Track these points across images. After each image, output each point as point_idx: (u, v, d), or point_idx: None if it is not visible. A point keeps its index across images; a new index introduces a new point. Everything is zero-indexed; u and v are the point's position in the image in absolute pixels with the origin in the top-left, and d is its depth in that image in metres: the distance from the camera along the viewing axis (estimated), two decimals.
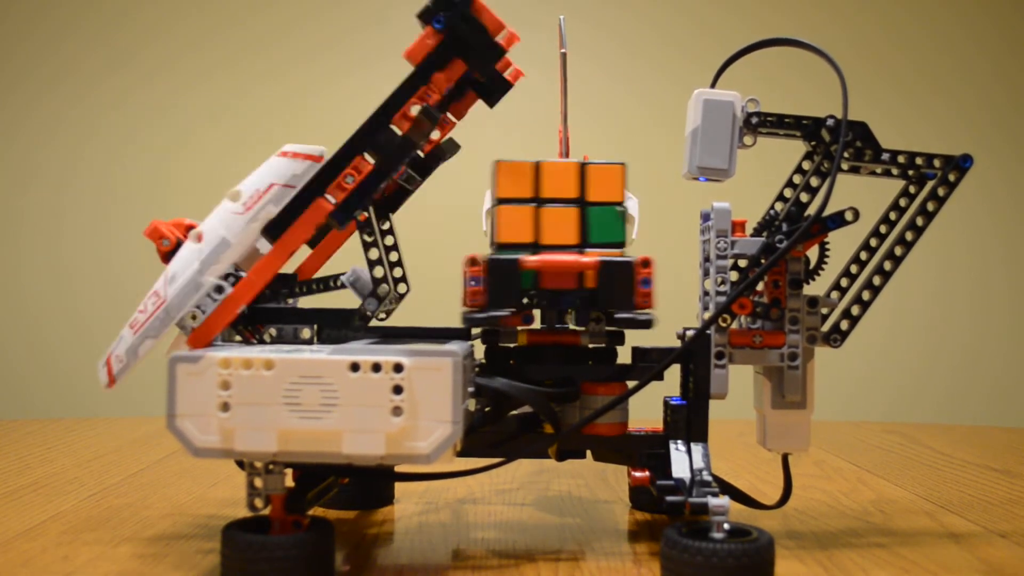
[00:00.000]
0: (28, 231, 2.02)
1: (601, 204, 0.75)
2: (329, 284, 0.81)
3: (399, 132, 0.71)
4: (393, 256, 0.78)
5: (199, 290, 0.68)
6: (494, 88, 0.73)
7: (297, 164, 0.70)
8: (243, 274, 0.77)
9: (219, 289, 0.69)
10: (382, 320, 0.82)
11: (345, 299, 0.79)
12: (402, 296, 0.80)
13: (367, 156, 0.71)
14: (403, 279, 0.79)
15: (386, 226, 0.79)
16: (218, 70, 2.02)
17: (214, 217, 0.70)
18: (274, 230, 0.70)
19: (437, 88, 0.71)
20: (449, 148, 0.82)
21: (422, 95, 0.71)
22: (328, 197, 0.70)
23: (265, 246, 0.72)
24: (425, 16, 0.71)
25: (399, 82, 0.72)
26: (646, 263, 0.73)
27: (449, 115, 0.76)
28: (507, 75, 0.73)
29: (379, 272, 0.77)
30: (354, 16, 2.03)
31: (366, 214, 0.79)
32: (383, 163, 0.71)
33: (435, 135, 0.79)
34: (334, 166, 0.71)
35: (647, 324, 0.73)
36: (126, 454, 1.18)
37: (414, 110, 0.71)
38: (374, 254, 0.78)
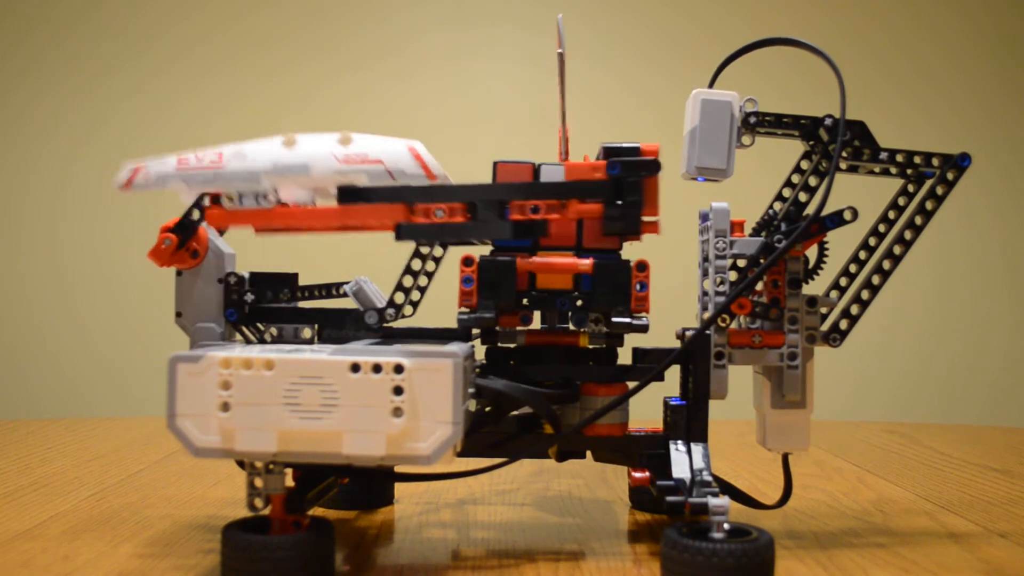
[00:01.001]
0: (28, 231, 2.02)
1: None
2: (331, 291, 0.81)
3: (507, 215, 0.71)
4: (423, 281, 0.77)
5: (254, 183, 0.68)
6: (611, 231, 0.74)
7: (413, 165, 0.70)
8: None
9: (267, 197, 0.69)
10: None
11: (347, 299, 0.79)
12: (405, 317, 0.79)
13: (468, 207, 0.71)
14: (416, 304, 0.78)
15: (439, 253, 0.78)
16: (219, 70, 2.02)
17: (316, 143, 0.70)
18: (350, 196, 0.70)
19: (565, 212, 0.72)
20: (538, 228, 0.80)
21: (548, 206, 0.71)
22: (412, 209, 0.70)
23: (331, 201, 0.71)
24: (610, 152, 0.72)
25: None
26: (642, 266, 0.73)
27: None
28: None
29: (399, 298, 0.76)
30: (354, 16, 2.03)
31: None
32: (472, 227, 0.71)
33: None
34: (437, 192, 0.71)
35: (643, 329, 0.74)
36: (126, 454, 1.18)
37: (533, 212, 0.71)
38: (408, 281, 0.76)
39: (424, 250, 0.76)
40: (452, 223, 0.71)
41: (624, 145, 0.73)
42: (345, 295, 0.79)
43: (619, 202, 0.72)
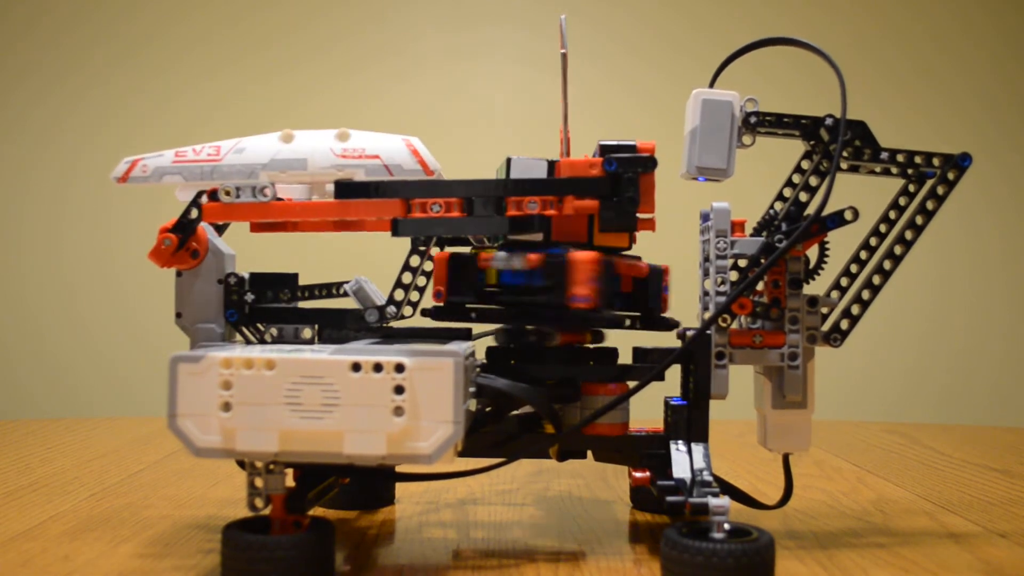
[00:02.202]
0: (28, 231, 2.02)
1: None
2: (332, 291, 0.81)
3: (503, 211, 0.71)
4: (421, 281, 0.77)
5: (251, 177, 0.68)
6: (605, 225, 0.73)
7: (410, 160, 0.70)
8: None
9: (264, 191, 0.69)
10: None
11: (347, 299, 0.79)
12: (404, 317, 0.79)
13: (465, 203, 0.71)
14: (415, 304, 0.78)
15: (436, 252, 0.78)
16: (219, 69, 2.02)
17: (313, 138, 0.70)
18: (347, 191, 0.70)
19: (562, 207, 0.71)
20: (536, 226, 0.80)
21: (546, 202, 0.71)
22: (409, 205, 0.70)
23: (328, 196, 0.71)
24: (607, 149, 0.72)
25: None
26: (593, 259, 0.71)
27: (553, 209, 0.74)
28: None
29: (399, 295, 0.76)
30: (354, 16, 2.03)
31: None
32: (468, 223, 0.71)
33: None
34: (434, 187, 0.71)
35: (601, 321, 0.74)
36: (126, 454, 1.18)
37: (531, 207, 0.71)
38: (407, 278, 0.76)
39: (422, 247, 0.76)
40: (449, 218, 0.71)
41: (621, 143, 0.73)
42: (345, 295, 0.79)
43: (615, 199, 0.72)
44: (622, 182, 0.72)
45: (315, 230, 0.76)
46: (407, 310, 0.77)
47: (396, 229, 0.72)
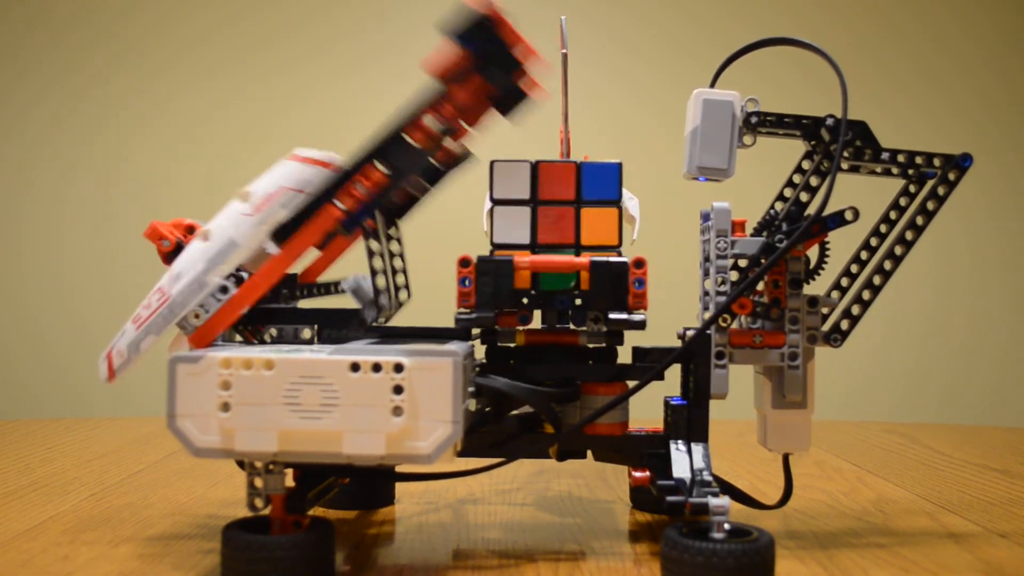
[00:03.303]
0: (28, 230, 2.02)
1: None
2: (330, 289, 0.81)
3: (412, 143, 0.71)
4: (397, 263, 0.77)
5: (203, 289, 0.67)
6: (509, 100, 0.73)
7: (308, 169, 0.70)
8: (245, 274, 0.77)
9: (224, 289, 0.68)
10: (380, 323, 0.82)
11: (346, 299, 0.79)
12: (402, 304, 0.79)
13: (378, 165, 0.71)
14: (406, 286, 0.78)
15: (393, 232, 0.78)
16: (218, 70, 2.02)
17: (223, 217, 0.69)
18: (282, 234, 0.70)
19: (454, 101, 0.71)
20: (462, 156, 0.81)
21: (437, 107, 0.71)
22: (337, 204, 0.70)
23: (273, 248, 0.71)
24: (446, 30, 0.71)
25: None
26: (639, 263, 0.73)
27: (463, 123, 0.74)
28: (522, 86, 0.73)
29: (381, 282, 0.76)
30: (354, 16, 2.03)
31: (373, 221, 0.78)
32: (394, 173, 0.71)
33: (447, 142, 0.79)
34: (345, 174, 0.71)
35: (640, 325, 0.73)
36: (126, 454, 1.18)
37: (428, 122, 0.71)
38: (378, 264, 0.76)
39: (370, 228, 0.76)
40: (376, 187, 0.71)
41: (450, 17, 0.71)
42: (343, 292, 0.79)
43: (490, 66, 0.70)
44: (480, 44, 0.70)
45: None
46: (402, 294, 0.77)
47: (345, 230, 0.71)
